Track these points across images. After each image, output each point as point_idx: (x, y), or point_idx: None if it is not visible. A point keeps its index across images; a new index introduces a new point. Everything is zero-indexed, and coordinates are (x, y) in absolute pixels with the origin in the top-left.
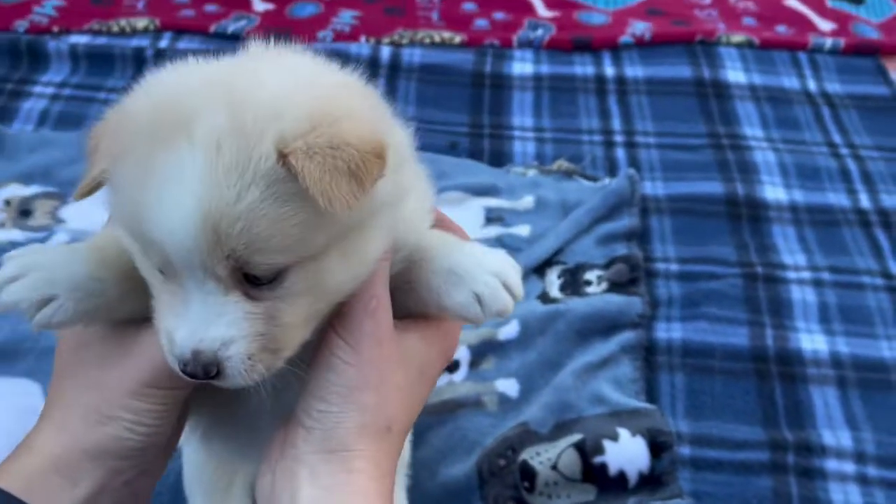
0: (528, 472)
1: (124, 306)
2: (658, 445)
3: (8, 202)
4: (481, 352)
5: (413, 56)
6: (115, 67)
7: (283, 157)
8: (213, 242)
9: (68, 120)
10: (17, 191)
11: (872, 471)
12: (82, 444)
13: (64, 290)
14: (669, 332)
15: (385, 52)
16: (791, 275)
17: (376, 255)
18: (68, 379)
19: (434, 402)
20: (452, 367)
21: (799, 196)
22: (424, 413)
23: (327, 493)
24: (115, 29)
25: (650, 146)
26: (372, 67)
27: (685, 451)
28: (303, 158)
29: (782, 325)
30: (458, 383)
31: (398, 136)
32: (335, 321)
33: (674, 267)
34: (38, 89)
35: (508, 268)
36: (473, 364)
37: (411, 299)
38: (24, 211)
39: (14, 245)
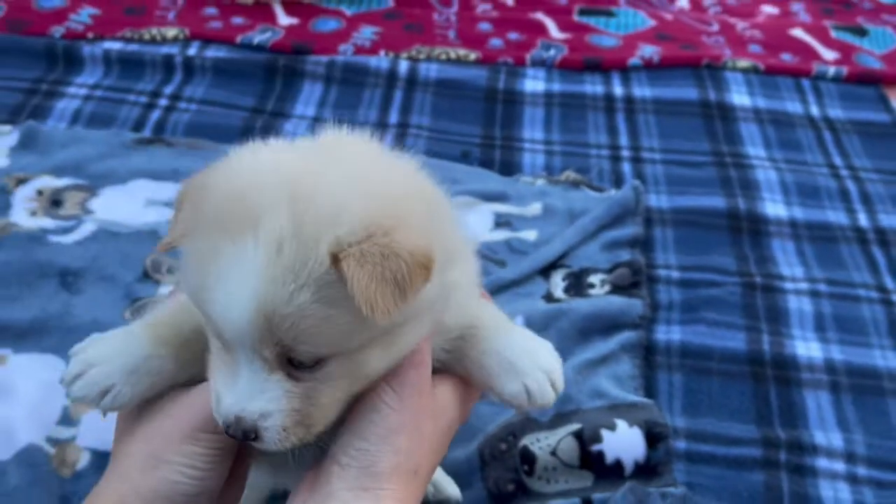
0: (528, 457)
1: (183, 374)
2: (654, 436)
3: (40, 192)
4: None
5: (430, 71)
6: (145, 72)
7: (336, 260)
8: (264, 330)
9: (99, 119)
10: (50, 182)
11: (862, 471)
12: (138, 489)
13: (120, 379)
14: (669, 334)
15: (403, 66)
16: (789, 285)
17: (417, 341)
18: (128, 434)
19: None
20: None
21: (799, 213)
22: None
23: None
24: (147, 37)
25: (655, 162)
26: (390, 80)
27: (680, 444)
28: (354, 266)
29: (779, 331)
30: None
31: (449, 229)
32: None
33: (675, 274)
34: (71, 90)
35: (557, 365)
36: None
37: (455, 365)
38: (55, 201)
39: (44, 231)
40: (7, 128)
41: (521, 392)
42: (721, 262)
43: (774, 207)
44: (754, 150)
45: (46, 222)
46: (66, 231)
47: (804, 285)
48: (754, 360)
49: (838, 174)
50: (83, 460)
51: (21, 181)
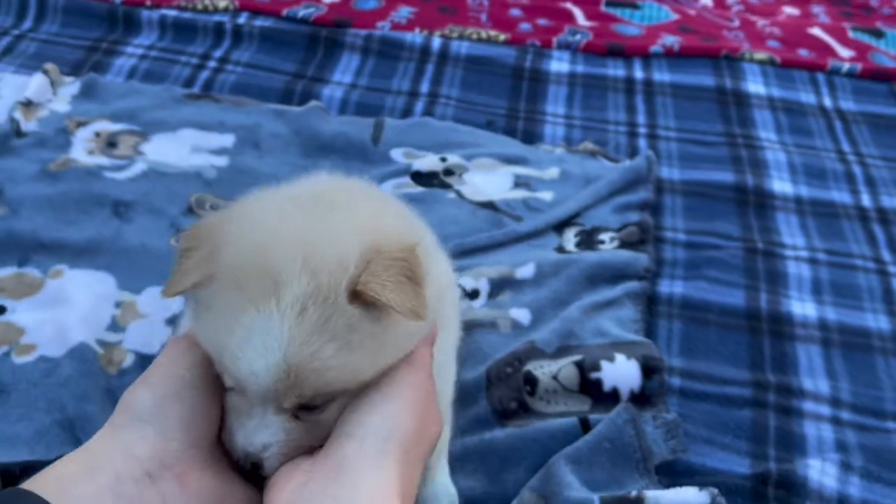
0: (530, 380)
1: None
2: (650, 369)
3: (98, 134)
4: (499, 286)
5: (461, 48)
6: (196, 37)
7: (356, 296)
8: (288, 387)
9: (153, 77)
10: (106, 126)
11: (846, 415)
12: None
13: None
14: (671, 287)
15: (436, 42)
16: (789, 252)
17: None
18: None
19: None
20: (473, 295)
21: (804, 191)
22: None
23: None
24: (199, 7)
25: (670, 139)
26: (423, 54)
27: (675, 381)
28: (377, 289)
29: (777, 291)
30: (477, 309)
31: (435, 258)
32: None
33: (681, 236)
34: (129, 50)
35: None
36: (492, 295)
37: None
38: (110, 143)
39: (100, 168)
40: (70, 79)
41: None
42: (726, 228)
43: (781, 185)
44: (766, 134)
45: (102, 160)
46: (119, 168)
47: (804, 253)
48: (751, 316)
49: (846, 159)
50: (128, 360)
51: (81, 124)
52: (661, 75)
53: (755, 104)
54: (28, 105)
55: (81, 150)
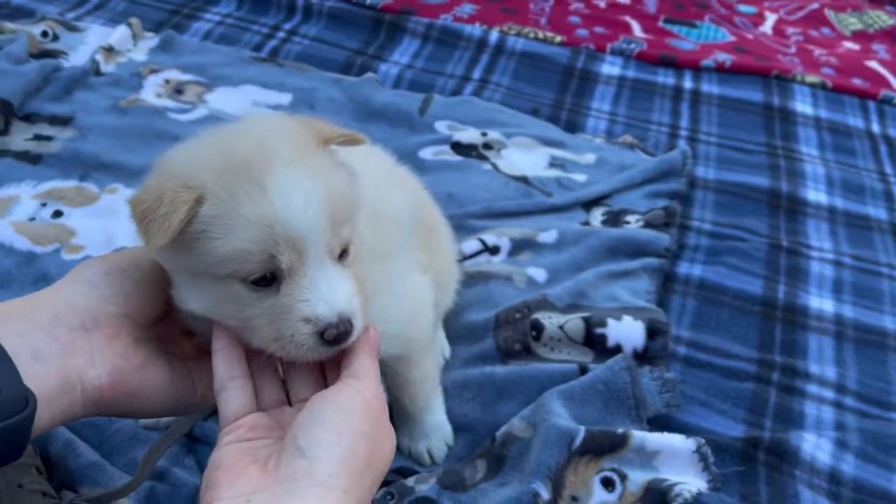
0: (537, 326)
1: None
2: (655, 331)
3: (167, 81)
4: (520, 245)
5: (517, 43)
6: (270, 10)
7: (325, 142)
8: (331, 221)
9: (225, 40)
10: (176, 75)
11: (850, 401)
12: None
13: None
14: (690, 269)
15: (493, 35)
16: (815, 254)
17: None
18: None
19: (471, 272)
20: (494, 251)
21: (839, 203)
22: (462, 279)
23: None
24: None
25: (710, 143)
26: (479, 45)
27: (680, 349)
28: (335, 130)
29: (796, 286)
30: (496, 263)
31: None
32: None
33: (707, 226)
34: (207, 16)
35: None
36: (512, 253)
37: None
38: (178, 90)
39: (166, 109)
40: (150, 34)
41: (424, 453)
42: (753, 224)
43: (816, 195)
44: (807, 150)
45: (168, 103)
46: (182, 111)
47: (830, 255)
48: (767, 304)
49: (886, 180)
50: None
51: (153, 71)
52: (710, 87)
53: (801, 122)
54: (109, 50)
55: (151, 93)
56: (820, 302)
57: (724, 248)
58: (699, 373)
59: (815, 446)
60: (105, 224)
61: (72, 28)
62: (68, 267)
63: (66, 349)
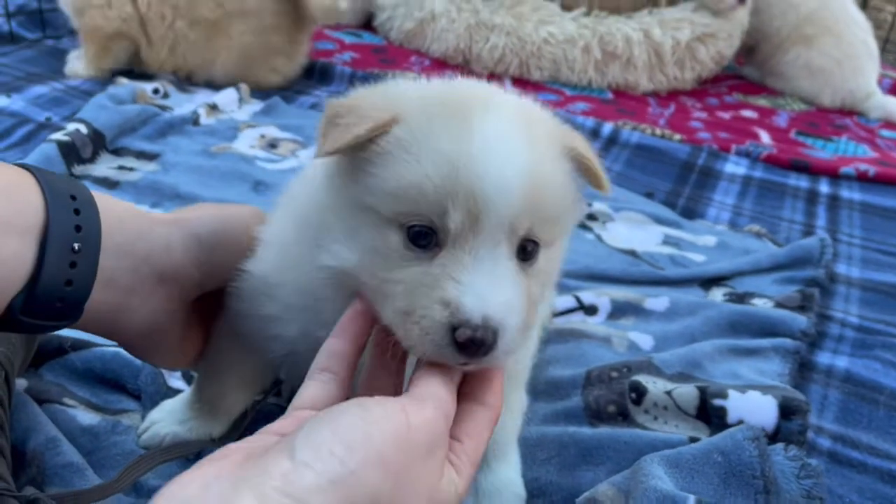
0: (637, 389)
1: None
2: (790, 409)
3: (263, 136)
4: (623, 309)
5: (631, 136)
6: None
7: (569, 151)
8: (529, 203)
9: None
10: (273, 132)
11: None
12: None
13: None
14: (833, 360)
15: (607, 127)
16: None
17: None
18: None
19: (561, 328)
20: (590, 310)
21: None
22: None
23: None
24: (390, 76)
25: (853, 245)
26: (592, 135)
27: (823, 441)
28: (589, 154)
29: None
30: (592, 323)
31: None
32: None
33: (853, 319)
34: (317, 92)
35: None
36: (612, 316)
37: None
38: (272, 144)
39: (255, 157)
40: (257, 100)
41: None
42: None
43: None
44: None
45: (259, 153)
46: (272, 161)
47: None
48: None
49: None
50: None
51: (250, 126)
52: (851, 193)
53: None
54: (213, 107)
55: (244, 144)
56: None
57: (877, 343)
58: (850, 472)
59: None
60: None
61: (184, 90)
62: None
63: (132, 287)
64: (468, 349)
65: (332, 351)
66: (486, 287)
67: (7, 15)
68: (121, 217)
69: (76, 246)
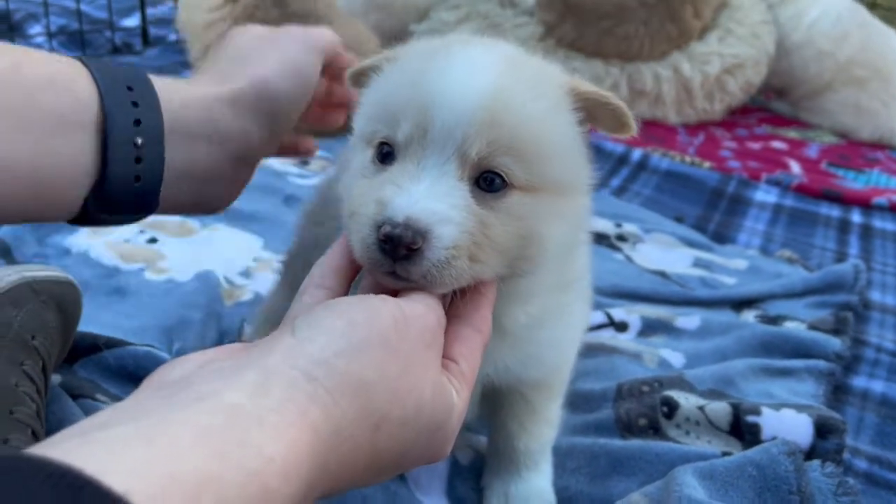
0: (669, 403)
1: None
2: (826, 428)
3: None
4: (654, 327)
5: (661, 163)
6: None
7: (576, 92)
8: (485, 125)
9: None
10: None
11: None
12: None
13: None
14: (869, 384)
15: (636, 153)
16: None
17: (568, 248)
18: None
19: (591, 343)
20: (621, 327)
21: None
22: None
23: None
24: None
25: (886, 273)
26: (620, 160)
27: (860, 463)
28: (597, 92)
29: None
30: (622, 339)
31: None
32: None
33: (889, 345)
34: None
35: None
36: (642, 333)
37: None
38: (304, 161)
39: (287, 173)
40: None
41: None
42: None
43: None
44: None
45: (291, 169)
46: (304, 177)
47: None
48: None
49: None
50: (247, 296)
51: None
52: (884, 223)
53: None
54: None
55: (277, 159)
56: None
57: None
58: (888, 495)
59: None
60: (196, 253)
61: None
62: (149, 287)
63: (208, 175)
64: (387, 247)
65: (328, 266)
66: (422, 193)
67: (48, 35)
68: (185, 102)
69: (139, 140)
